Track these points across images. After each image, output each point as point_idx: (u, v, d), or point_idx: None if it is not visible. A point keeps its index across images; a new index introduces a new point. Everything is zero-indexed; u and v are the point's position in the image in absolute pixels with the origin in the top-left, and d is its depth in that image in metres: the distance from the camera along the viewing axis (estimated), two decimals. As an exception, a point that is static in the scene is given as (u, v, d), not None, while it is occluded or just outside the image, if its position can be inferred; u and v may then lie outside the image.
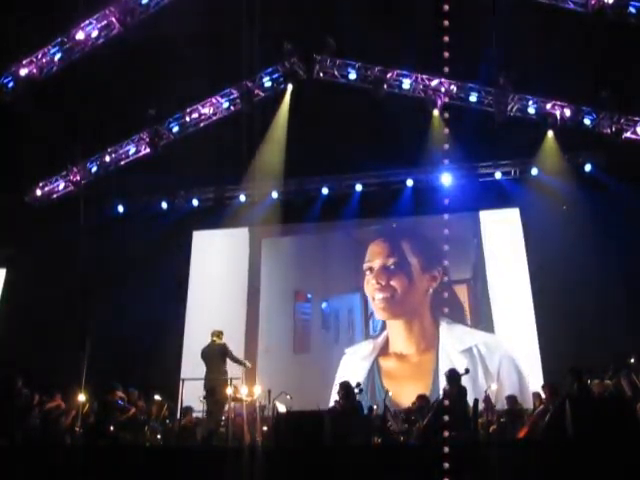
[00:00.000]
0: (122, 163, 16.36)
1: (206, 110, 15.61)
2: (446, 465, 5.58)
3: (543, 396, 10.39)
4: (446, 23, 4.67)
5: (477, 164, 15.66)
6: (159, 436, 11.77)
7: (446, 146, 8.85)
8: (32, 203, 16.44)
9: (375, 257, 16.18)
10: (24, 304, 15.22)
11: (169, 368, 14.93)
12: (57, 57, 13.42)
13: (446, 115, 12.54)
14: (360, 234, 16.63)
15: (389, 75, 14.64)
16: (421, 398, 11.06)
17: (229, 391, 10.16)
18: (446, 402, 8.56)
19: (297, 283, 16.55)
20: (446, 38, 4.55)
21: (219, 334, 10.21)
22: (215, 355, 9.95)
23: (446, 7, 4.55)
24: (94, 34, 13.20)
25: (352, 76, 14.82)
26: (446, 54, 4.89)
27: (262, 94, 15.34)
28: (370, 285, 15.91)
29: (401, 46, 13.45)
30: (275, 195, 16.77)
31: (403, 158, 15.41)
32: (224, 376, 9.89)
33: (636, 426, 7.68)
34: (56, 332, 14.30)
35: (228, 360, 10.06)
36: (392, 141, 14.35)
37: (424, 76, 14.57)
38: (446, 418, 7.08)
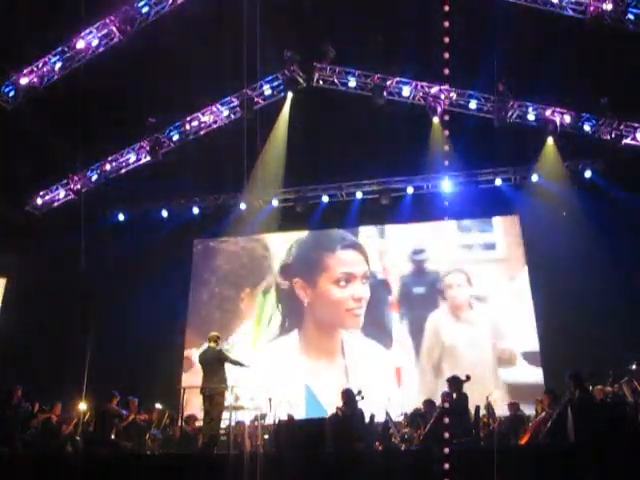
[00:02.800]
0: (122, 171, 16.40)
1: (206, 118, 15.65)
2: (447, 472, 5.56)
3: (545, 402, 10.36)
4: (447, 26, 4.67)
5: (477, 171, 15.67)
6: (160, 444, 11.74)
7: (446, 153, 8.87)
8: (33, 211, 16.46)
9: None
10: (25, 312, 15.20)
11: (170, 376, 14.93)
12: (58, 66, 13.46)
13: (446, 120, 12.56)
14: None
15: (389, 82, 14.67)
16: (428, 403, 10.99)
17: (230, 399, 10.13)
18: (447, 408, 8.54)
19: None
20: (446, 41, 4.56)
21: (216, 339, 10.17)
22: (212, 361, 9.92)
23: (447, 10, 4.56)
24: (94, 43, 13.24)
25: (352, 83, 14.86)
26: (446, 61, 4.88)
27: (262, 102, 15.38)
28: None
29: (401, 53, 13.50)
30: (275, 203, 16.78)
31: (403, 165, 15.44)
32: (223, 384, 9.86)
33: (637, 432, 7.67)
34: (56, 341, 14.28)
35: (227, 365, 10.03)
36: (392, 148, 14.36)
37: (424, 83, 14.60)
38: (447, 424, 7.07)
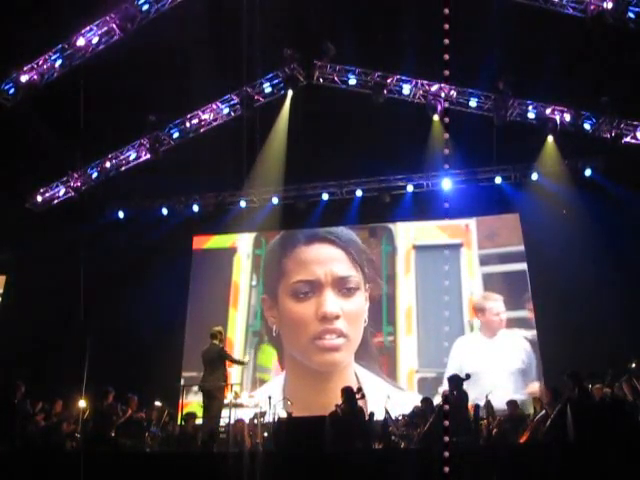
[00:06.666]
0: (123, 169, 16.38)
1: (206, 116, 15.63)
2: (447, 470, 5.56)
3: (544, 401, 10.37)
4: (446, 27, 4.67)
5: (477, 169, 15.67)
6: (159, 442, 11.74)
7: (446, 151, 8.84)
8: (33, 209, 16.45)
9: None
10: (24, 310, 15.20)
11: (170, 374, 14.93)
12: (58, 63, 13.42)
13: (446, 118, 12.55)
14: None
15: (389, 80, 14.66)
16: (425, 401, 11.03)
17: (230, 396, 10.15)
18: (447, 407, 8.54)
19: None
20: (446, 41, 4.55)
21: (218, 334, 10.19)
22: (214, 359, 9.95)
23: (447, 11, 4.55)
24: (95, 40, 13.21)
25: (352, 81, 14.84)
26: (446, 57, 4.87)
27: (262, 100, 15.37)
28: None
29: (401, 51, 13.48)
30: (275, 201, 16.79)
31: (403, 163, 15.44)
32: (223, 381, 9.88)
33: (637, 431, 7.68)
34: (56, 338, 14.29)
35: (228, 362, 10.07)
36: (392, 146, 14.36)
37: (424, 81, 14.59)
38: (447, 423, 7.07)
